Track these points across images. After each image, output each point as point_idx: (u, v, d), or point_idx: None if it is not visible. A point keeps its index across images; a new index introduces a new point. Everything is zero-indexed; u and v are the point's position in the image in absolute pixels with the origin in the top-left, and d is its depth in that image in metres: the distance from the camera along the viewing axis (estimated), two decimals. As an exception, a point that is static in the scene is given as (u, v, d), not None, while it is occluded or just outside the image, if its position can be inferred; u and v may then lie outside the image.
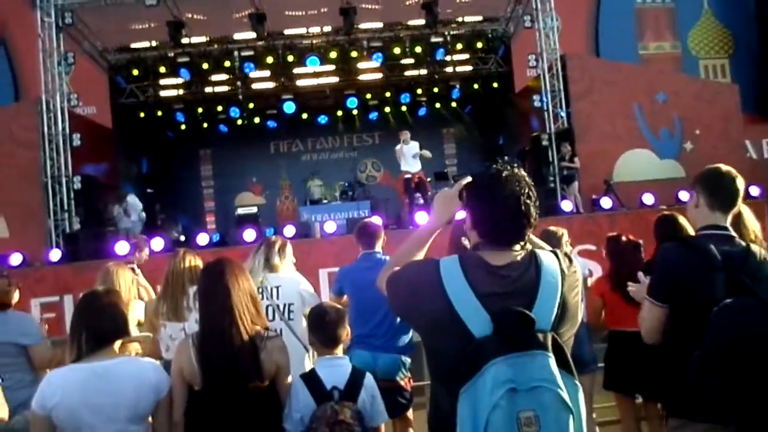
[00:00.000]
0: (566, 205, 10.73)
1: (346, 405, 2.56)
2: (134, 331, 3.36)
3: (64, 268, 9.74)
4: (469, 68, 16.30)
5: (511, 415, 1.50)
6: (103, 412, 2.27)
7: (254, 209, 13.46)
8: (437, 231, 2.03)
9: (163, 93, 16.09)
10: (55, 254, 10.31)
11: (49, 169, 11.50)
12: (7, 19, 15.11)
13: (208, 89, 16.09)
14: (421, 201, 12.11)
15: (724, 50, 16.96)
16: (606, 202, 10.75)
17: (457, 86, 16.86)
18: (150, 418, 2.43)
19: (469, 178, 1.89)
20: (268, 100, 17.02)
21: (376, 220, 4.79)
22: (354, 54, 15.42)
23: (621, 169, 11.98)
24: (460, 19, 15.29)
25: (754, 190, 10.27)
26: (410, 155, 12.02)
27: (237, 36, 14.85)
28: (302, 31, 15.26)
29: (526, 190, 1.77)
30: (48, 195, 11.41)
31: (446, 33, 15.35)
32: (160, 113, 16.59)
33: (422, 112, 18.03)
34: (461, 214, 1.94)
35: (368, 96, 17.25)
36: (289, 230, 10.69)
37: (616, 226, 8.84)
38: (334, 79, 16.25)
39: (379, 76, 16.27)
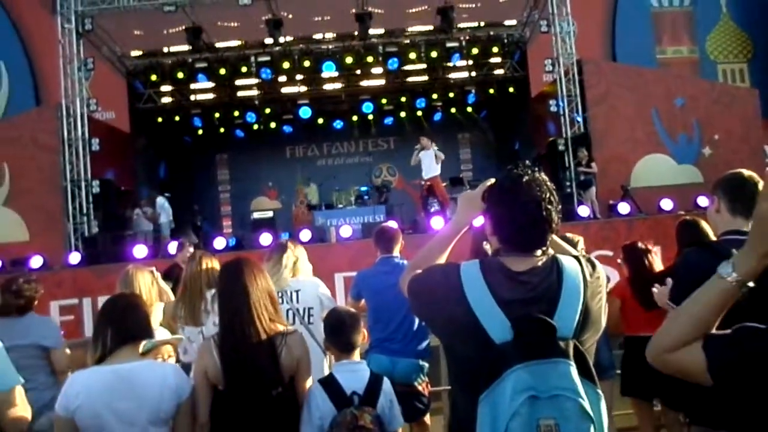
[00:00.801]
0: (583, 211, 10.66)
1: (366, 410, 2.56)
2: (164, 333, 3.39)
3: (83, 271, 9.85)
4: (484, 73, 16.27)
5: (531, 423, 1.48)
6: (125, 415, 2.29)
7: (270, 213, 13.54)
8: (460, 232, 2.00)
9: (180, 98, 16.24)
10: (75, 257, 10.45)
11: (68, 173, 11.67)
12: (28, 26, 15.37)
13: (225, 94, 16.21)
14: (436, 206, 12.03)
15: (743, 54, 16.79)
16: (624, 208, 10.66)
17: (473, 91, 16.85)
18: (171, 421, 2.45)
19: (492, 180, 1.87)
20: (284, 105, 17.15)
21: (393, 224, 4.79)
22: (369, 59, 15.46)
23: (638, 174, 11.89)
24: (475, 24, 15.28)
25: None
26: (428, 161, 11.87)
27: (254, 41, 14.97)
28: (318, 36, 15.34)
29: (547, 195, 1.74)
30: (67, 199, 11.57)
31: (461, 38, 15.35)
32: (177, 118, 16.77)
33: (437, 117, 18.04)
34: (481, 220, 1.93)
35: (383, 101, 17.31)
36: (305, 234, 10.70)
37: (634, 232, 8.77)
38: (350, 84, 16.30)
39: (394, 81, 16.29)
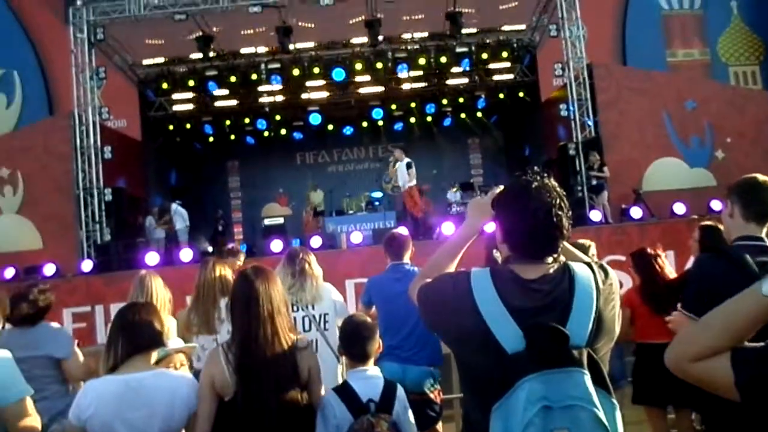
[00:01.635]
0: (595, 215, 10.59)
1: (382, 417, 2.55)
2: (178, 342, 3.39)
3: (96, 279, 9.91)
4: (494, 78, 16.24)
5: (545, 433, 1.47)
6: (137, 425, 2.30)
7: (281, 220, 13.57)
8: (471, 239, 1.99)
9: (191, 106, 16.33)
10: (87, 265, 10.52)
11: (81, 181, 11.76)
12: (41, 35, 15.53)
13: (236, 102, 16.29)
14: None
15: (754, 56, 16.66)
16: (636, 212, 10.58)
17: (483, 96, 16.84)
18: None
19: (501, 187, 1.86)
20: (294, 111, 17.20)
21: (403, 230, 4.77)
22: (379, 65, 15.48)
23: (650, 178, 11.81)
24: (485, 29, 15.27)
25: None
26: (403, 171, 11.52)
27: (262, 49, 15.05)
28: (327, 42, 15.39)
29: (558, 201, 1.72)
30: (80, 207, 11.66)
31: (471, 43, 15.34)
32: (188, 126, 16.87)
33: (447, 122, 18.04)
34: (491, 227, 1.91)
35: (393, 107, 17.32)
36: (316, 241, 10.71)
37: (647, 236, 8.69)
38: (360, 90, 16.34)
39: (404, 86, 16.30)
